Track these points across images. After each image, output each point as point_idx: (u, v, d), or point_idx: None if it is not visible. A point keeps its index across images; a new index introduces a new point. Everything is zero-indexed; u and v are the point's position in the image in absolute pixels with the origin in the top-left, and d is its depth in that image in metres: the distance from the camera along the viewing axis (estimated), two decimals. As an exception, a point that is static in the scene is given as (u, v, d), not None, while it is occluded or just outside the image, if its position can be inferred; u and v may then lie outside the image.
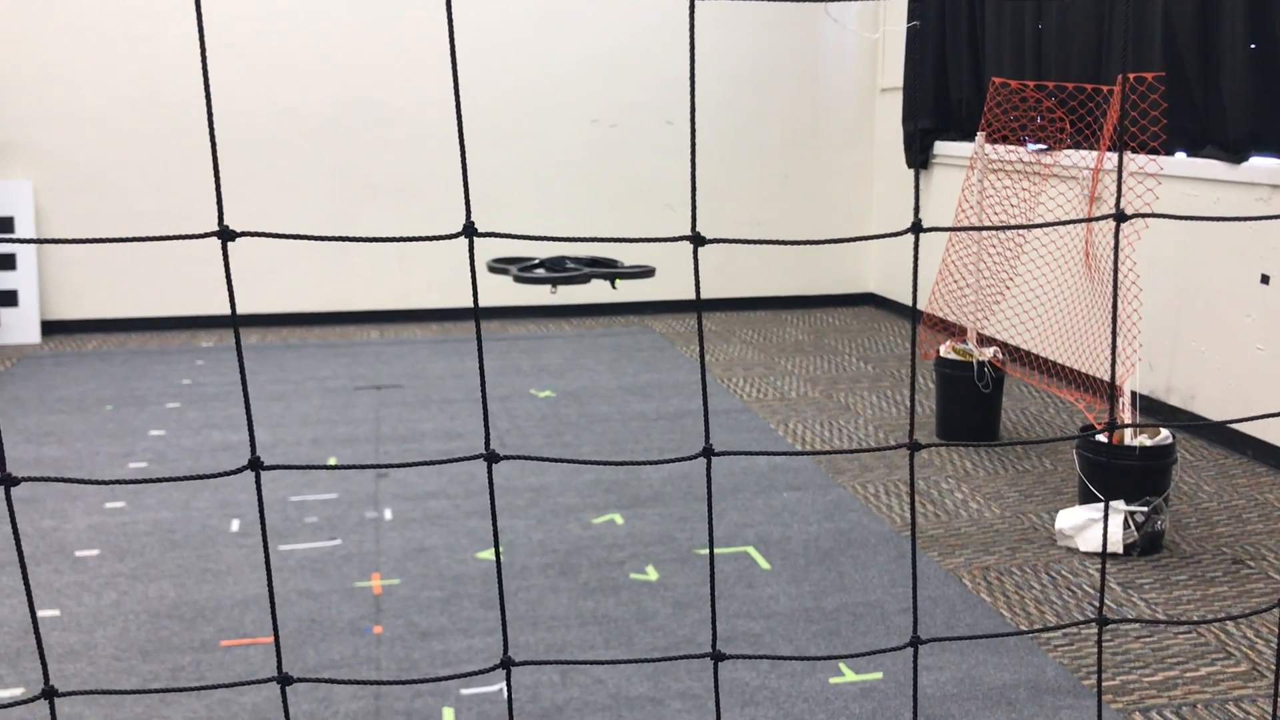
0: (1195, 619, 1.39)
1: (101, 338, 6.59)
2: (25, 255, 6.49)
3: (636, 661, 1.14)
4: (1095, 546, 3.55)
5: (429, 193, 6.87)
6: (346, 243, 6.99)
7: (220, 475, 1.06)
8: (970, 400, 4.61)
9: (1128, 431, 3.59)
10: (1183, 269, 4.74)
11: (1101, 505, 3.56)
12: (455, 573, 3.41)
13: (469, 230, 1.07)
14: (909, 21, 6.72)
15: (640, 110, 7.05)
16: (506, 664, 1.11)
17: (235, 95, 6.56)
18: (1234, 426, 4.52)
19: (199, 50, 6.02)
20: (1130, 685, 2.80)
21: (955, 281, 4.84)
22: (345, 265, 6.91)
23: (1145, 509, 3.50)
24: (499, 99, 6.88)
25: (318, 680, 1.07)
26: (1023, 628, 3.13)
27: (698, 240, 1.09)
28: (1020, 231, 4.82)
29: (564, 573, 3.42)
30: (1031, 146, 5.28)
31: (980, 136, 4.68)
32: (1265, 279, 4.34)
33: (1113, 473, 3.54)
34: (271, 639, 3.04)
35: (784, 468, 4.32)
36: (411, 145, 6.83)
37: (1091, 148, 4.95)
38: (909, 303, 7.21)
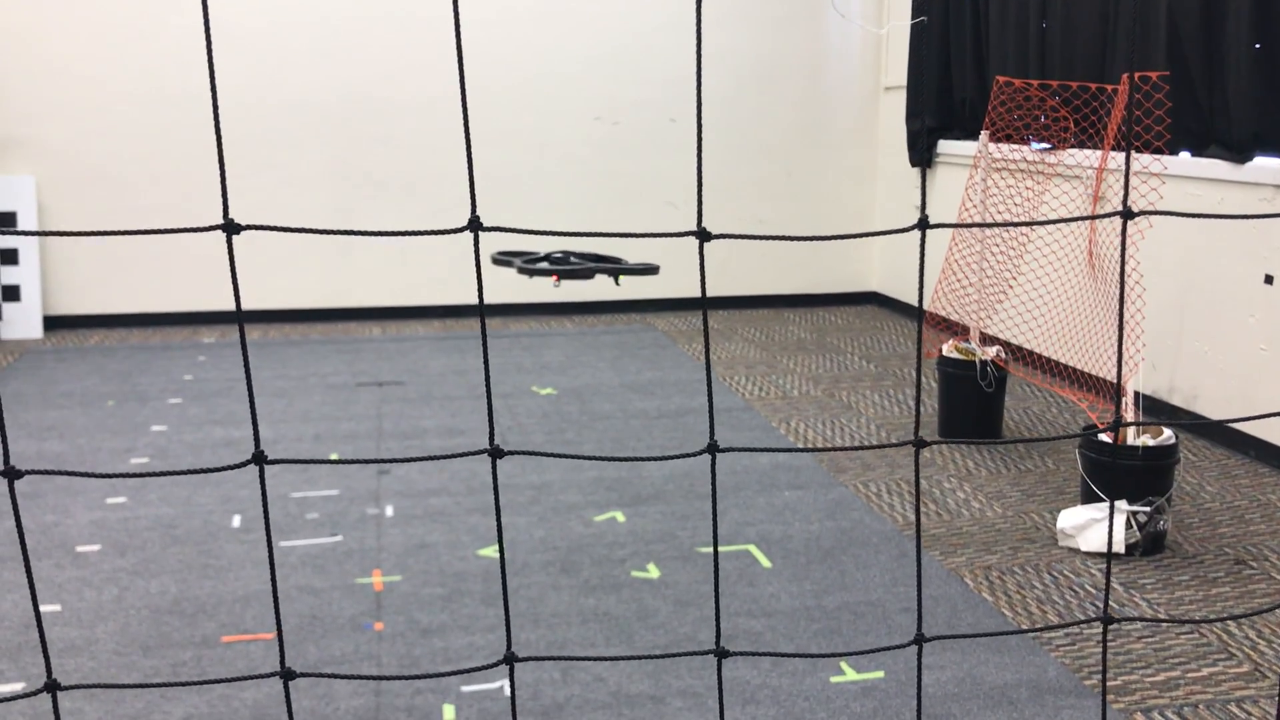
0: (1197, 619, 1.39)
1: (103, 333, 6.59)
2: (28, 250, 6.49)
3: (639, 658, 1.13)
4: (1097, 546, 3.55)
5: (431, 189, 6.87)
6: (349, 239, 6.96)
7: (224, 469, 1.05)
8: (973, 399, 4.60)
9: (1130, 431, 3.59)
10: (1186, 269, 4.73)
11: (1103, 505, 3.56)
12: (456, 570, 3.41)
13: (474, 224, 1.07)
14: (914, 18, 6.71)
15: (643, 108, 7.04)
16: (510, 660, 1.11)
17: (239, 91, 6.56)
18: (1237, 427, 4.52)
19: (204, 45, 6.00)
20: (1132, 685, 2.79)
21: (958, 280, 4.83)
22: (347, 262, 6.91)
23: (1148, 509, 3.49)
24: (502, 96, 6.87)
25: (320, 675, 1.07)
26: (1025, 627, 3.13)
27: (703, 235, 1.09)
28: (1024, 230, 4.81)
29: (565, 570, 3.42)
30: (1035, 145, 5.27)
31: (984, 135, 4.67)
32: (1269, 279, 4.33)
33: (1115, 472, 3.53)
34: (272, 635, 3.04)
35: (786, 466, 4.31)
36: (414, 142, 6.83)
37: (1095, 147, 4.94)
38: (912, 301, 7.21)
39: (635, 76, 7.01)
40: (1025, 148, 5.17)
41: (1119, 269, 4.19)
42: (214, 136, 6.62)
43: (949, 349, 4.69)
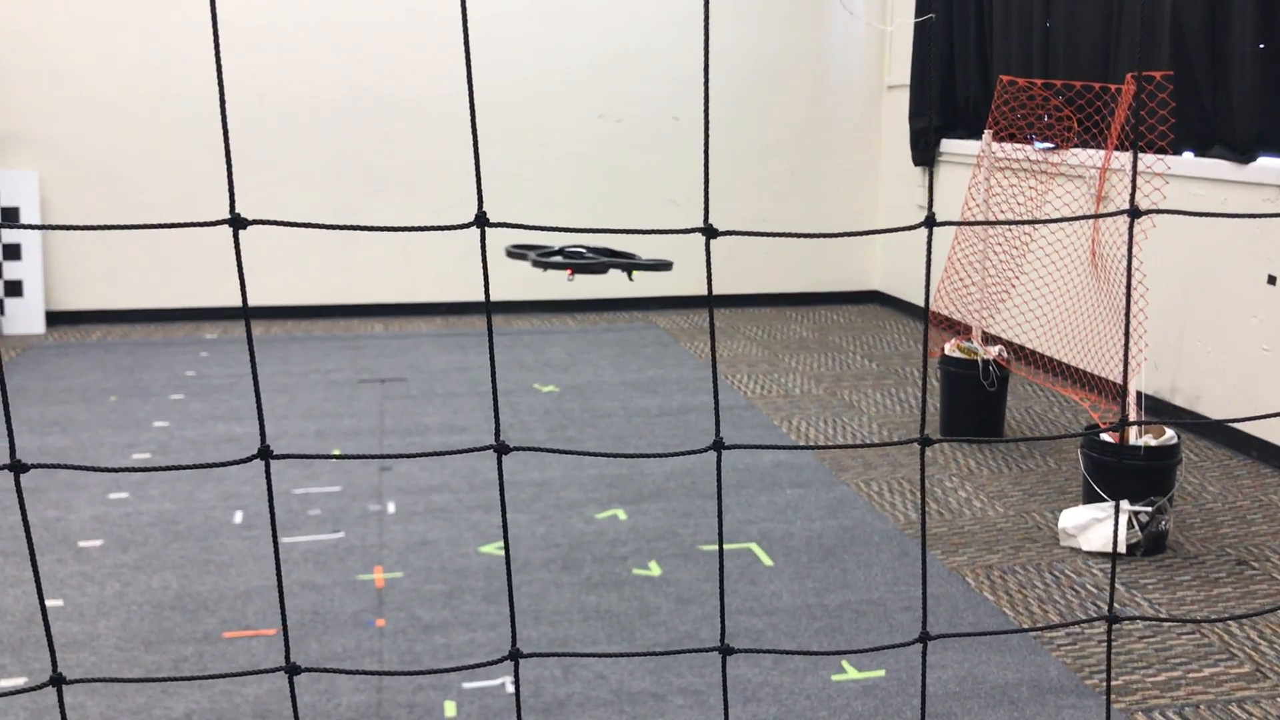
0: (1199, 619, 1.39)
1: (106, 328, 6.59)
2: (30, 245, 6.49)
3: (643, 655, 1.13)
4: (1098, 546, 3.55)
5: (435, 187, 6.87)
6: (352, 236, 6.96)
7: (229, 464, 1.05)
8: (975, 399, 4.60)
9: (1132, 431, 3.59)
10: (1189, 269, 4.73)
11: (1105, 505, 3.56)
12: (458, 566, 3.41)
13: (481, 220, 1.07)
14: (918, 16, 6.70)
15: (647, 105, 7.04)
16: (515, 656, 1.11)
17: (242, 87, 6.56)
18: (1239, 427, 4.51)
19: (207, 42, 6.00)
20: (1133, 685, 2.79)
21: (961, 279, 4.83)
22: (350, 258, 6.91)
23: (1149, 509, 3.49)
24: (505, 93, 6.87)
25: (325, 670, 1.07)
26: (1027, 626, 3.13)
27: (710, 232, 1.09)
28: (1026, 230, 4.81)
29: (567, 567, 3.42)
30: (1038, 145, 5.27)
31: (987, 134, 4.67)
32: (1272, 280, 4.33)
33: (1117, 472, 3.53)
34: (273, 631, 3.04)
35: (787, 464, 4.31)
36: (416, 140, 6.83)
37: (1099, 147, 4.94)
38: (914, 300, 7.21)
39: (638, 74, 7.00)
40: (1028, 147, 5.17)
41: (1124, 268, 4.19)
42: (216, 133, 6.62)
43: (951, 348, 4.69)
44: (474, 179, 6.94)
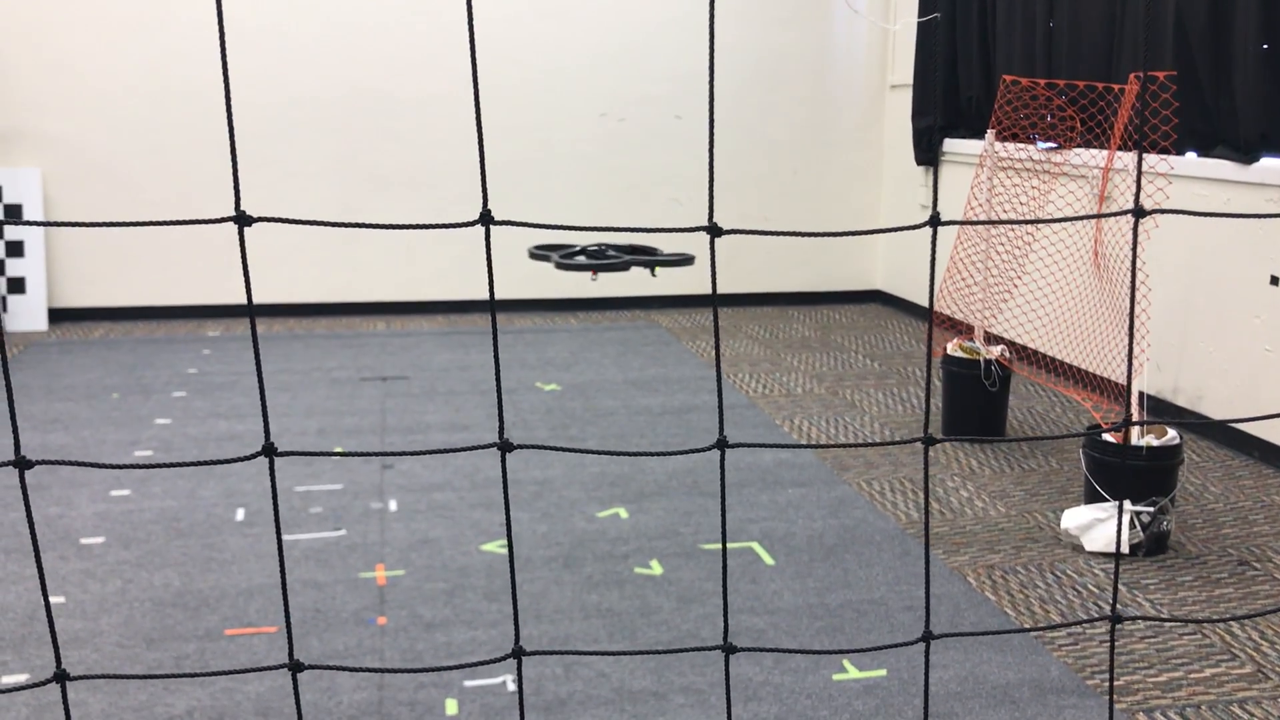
0: (1201, 619, 1.39)
1: (108, 326, 6.60)
2: (33, 242, 6.49)
3: (646, 653, 1.13)
4: (1100, 546, 3.54)
5: (438, 185, 6.87)
6: (354, 234, 6.97)
7: (232, 461, 1.05)
8: (977, 398, 4.60)
9: (1134, 431, 3.59)
10: (1191, 270, 4.73)
11: (1107, 505, 3.56)
12: (459, 564, 3.41)
13: (485, 218, 1.07)
14: (921, 15, 6.70)
15: (649, 104, 7.04)
16: (518, 654, 1.11)
17: (244, 85, 6.56)
18: (1241, 427, 4.51)
19: (212, 39, 6.00)
20: (1134, 685, 2.79)
21: (963, 279, 4.83)
22: (352, 256, 6.91)
23: (1151, 509, 3.49)
24: (508, 92, 6.87)
25: (329, 668, 1.07)
26: (1028, 626, 3.13)
27: (714, 231, 1.09)
28: (1029, 230, 4.81)
29: (568, 566, 3.42)
30: (1041, 145, 5.27)
31: (990, 134, 4.67)
32: (1275, 280, 4.33)
33: (1119, 472, 3.53)
34: (275, 629, 3.04)
35: (789, 463, 4.31)
36: (418, 138, 6.83)
37: (1102, 147, 4.93)
38: (916, 300, 7.20)
39: (641, 73, 7.00)
40: (1031, 147, 5.16)
41: (1126, 268, 4.19)
42: (219, 131, 6.62)
43: (953, 348, 4.68)
44: (476, 177, 6.94)
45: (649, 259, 4.46)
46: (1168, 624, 3.08)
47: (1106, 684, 2.77)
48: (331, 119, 6.72)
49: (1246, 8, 4.38)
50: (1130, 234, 4.30)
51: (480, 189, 6.97)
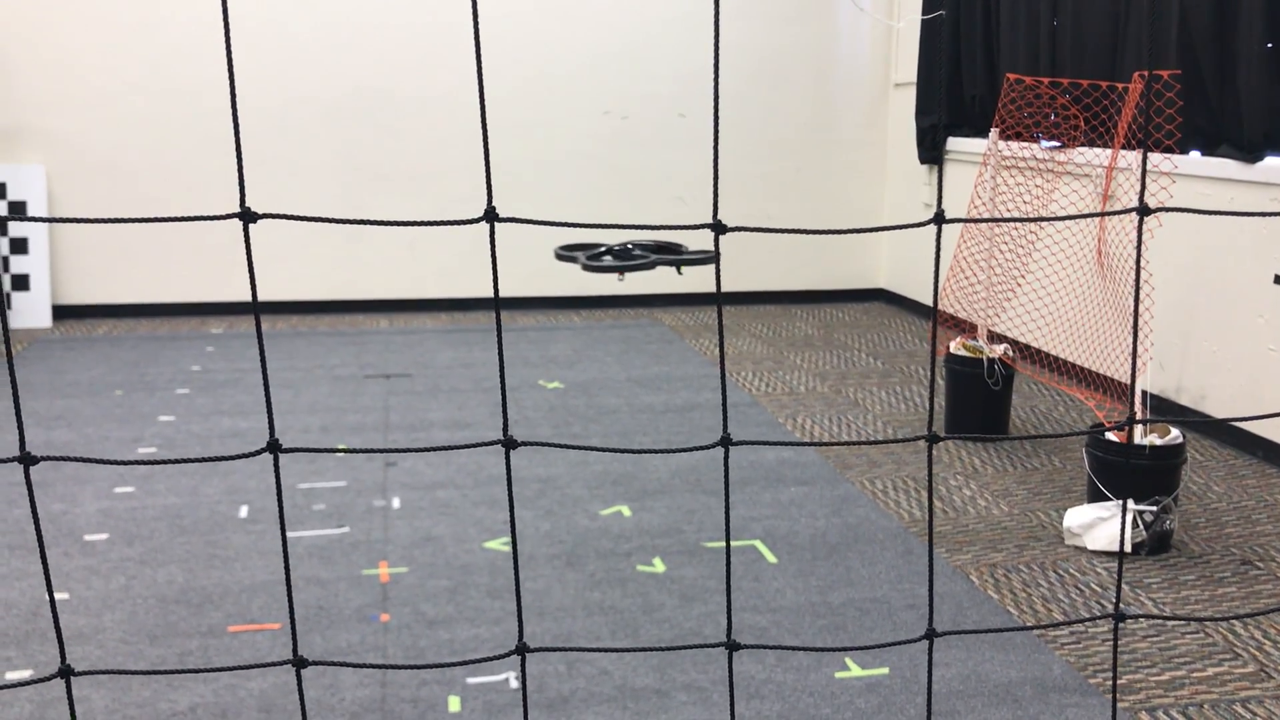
0: (1204, 618, 1.39)
1: (112, 323, 6.60)
2: (37, 239, 6.50)
3: (649, 650, 1.13)
4: (1103, 545, 3.54)
5: (441, 183, 6.87)
6: (358, 232, 6.96)
7: (237, 458, 1.06)
8: (980, 397, 4.60)
9: (1138, 430, 3.58)
10: (1195, 269, 4.72)
11: (1110, 504, 3.56)
12: (463, 562, 3.41)
13: (490, 215, 1.07)
14: (926, 13, 6.69)
15: (652, 102, 7.04)
16: (522, 650, 1.11)
17: (249, 82, 6.56)
18: (1244, 427, 4.51)
19: (216, 37, 5.99)
20: (1137, 684, 2.79)
21: (966, 278, 4.83)
22: (356, 254, 6.92)
23: (1154, 508, 3.49)
24: (511, 90, 6.87)
25: (334, 664, 1.07)
26: (1031, 624, 3.13)
27: (719, 228, 1.09)
28: (1032, 228, 4.80)
29: (571, 564, 3.42)
30: (1045, 143, 5.26)
31: (994, 133, 4.66)
32: (1278, 279, 4.33)
33: (1123, 471, 3.53)
34: (278, 625, 3.04)
35: (792, 462, 4.31)
36: (422, 136, 6.83)
37: (1106, 145, 4.93)
38: (919, 298, 7.20)
39: (644, 71, 7.00)
40: (1035, 145, 5.16)
41: (1130, 267, 4.19)
42: (223, 129, 6.62)
43: (956, 346, 4.68)
44: (480, 175, 6.94)
45: (675, 258, 4.44)
46: (1170, 623, 3.08)
47: (1109, 683, 2.77)
48: (335, 117, 6.72)
49: (1251, 7, 4.38)
50: (1134, 233, 4.29)
51: (485, 186, 6.97)
